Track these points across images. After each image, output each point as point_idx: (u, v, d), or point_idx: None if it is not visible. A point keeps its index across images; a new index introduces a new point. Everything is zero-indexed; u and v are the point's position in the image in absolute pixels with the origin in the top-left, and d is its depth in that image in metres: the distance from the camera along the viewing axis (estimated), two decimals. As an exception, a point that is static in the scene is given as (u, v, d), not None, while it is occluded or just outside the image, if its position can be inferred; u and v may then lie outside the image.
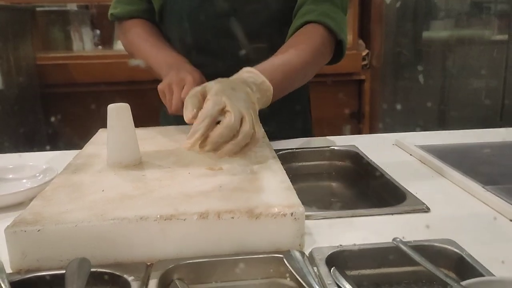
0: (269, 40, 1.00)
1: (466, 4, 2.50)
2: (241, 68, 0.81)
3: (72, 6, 2.67)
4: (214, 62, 1.02)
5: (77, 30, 2.56)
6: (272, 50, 0.91)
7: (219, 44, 1.01)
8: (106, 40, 2.84)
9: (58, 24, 2.50)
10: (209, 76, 0.99)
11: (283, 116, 1.09)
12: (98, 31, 2.88)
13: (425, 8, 2.52)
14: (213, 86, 0.71)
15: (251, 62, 0.83)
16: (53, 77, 2.21)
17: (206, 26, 1.00)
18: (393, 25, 2.56)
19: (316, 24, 0.92)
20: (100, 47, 2.80)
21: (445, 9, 2.52)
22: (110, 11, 1.09)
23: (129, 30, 1.07)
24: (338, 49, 0.97)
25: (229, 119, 0.66)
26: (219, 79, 0.74)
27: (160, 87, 0.88)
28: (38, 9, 2.42)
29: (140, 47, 1.03)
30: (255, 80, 0.77)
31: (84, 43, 2.62)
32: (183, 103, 0.74)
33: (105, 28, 2.87)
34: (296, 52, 0.88)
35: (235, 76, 0.79)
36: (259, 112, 0.74)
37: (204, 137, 0.67)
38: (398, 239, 0.52)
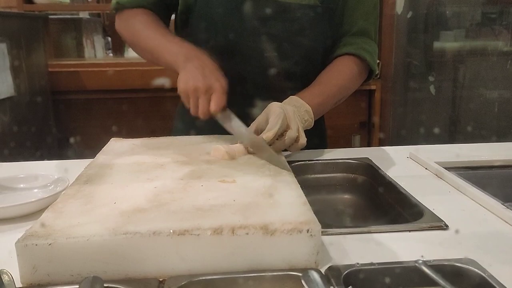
0: (299, 46, 1.02)
1: (477, 15, 2.48)
2: (267, 71, 0.96)
3: (85, 14, 2.69)
4: (243, 65, 1.02)
5: (89, 37, 2.58)
6: (300, 55, 1.02)
7: (250, 48, 1.01)
8: (117, 48, 2.86)
9: (70, 31, 2.52)
10: (237, 79, 1.01)
11: None
12: (109, 39, 2.90)
13: (436, 18, 2.51)
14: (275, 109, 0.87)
15: (277, 69, 0.96)
16: (64, 84, 2.22)
17: (238, 29, 1.00)
18: (404, 35, 2.55)
19: (354, 56, 1.04)
20: (111, 54, 2.82)
21: (456, 20, 2.50)
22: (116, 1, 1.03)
23: (133, 17, 1.02)
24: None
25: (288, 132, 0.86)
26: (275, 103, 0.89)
27: (183, 88, 0.84)
28: (51, 16, 2.44)
29: (148, 35, 0.98)
30: (300, 106, 0.93)
31: (96, 50, 2.64)
32: (209, 112, 0.83)
33: (117, 36, 2.90)
34: (334, 81, 1.02)
35: (286, 101, 0.93)
36: None
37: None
38: (420, 261, 0.50)
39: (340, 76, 1.03)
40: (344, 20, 1.05)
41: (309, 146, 1.07)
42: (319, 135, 1.17)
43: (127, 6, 1.03)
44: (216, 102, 0.82)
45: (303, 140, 0.88)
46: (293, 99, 0.94)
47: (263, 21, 0.99)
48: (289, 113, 0.88)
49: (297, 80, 1.03)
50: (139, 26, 1.00)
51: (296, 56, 1.03)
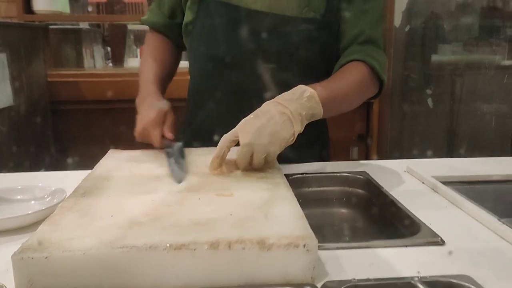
0: (298, 59, 1.03)
1: (475, 29, 2.50)
2: (266, 84, 0.94)
3: (84, 25, 2.70)
4: (242, 77, 1.03)
5: (89, 48, 2.59)
6: (299, 67, 1.02)
7: (249, 61, 1.02)
8: (117, 58, 2.87)
9: (70, 42, 2.52)
10: (235, 91, 1.05)
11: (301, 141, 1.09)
12: (109, 49, 2.91)
13: (434, 32, 2.53)
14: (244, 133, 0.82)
15: (277, 82, 0.94)
16: (63, 94, 2.22)
17: (237, 41, 1.01)
18: (402, 49, 2.57)
19: (361, 63, 0.99)
20: (111, 64, 2.83)
21: (453, 34, 2.52)
22: (145, 18, 1.17)
23: (147, 41, 1.16)
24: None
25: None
26: (256, 114, 0.84)
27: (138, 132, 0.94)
28: (51, 27, 2.45)
29: (141, 65, 1.10)
30: (301, 93, 0.86)
31: (95, 60, 2.64)
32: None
33: (116, 46, 2.91)
34: (344, 80, 0.97)
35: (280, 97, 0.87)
36: None
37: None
38: (416, 278, 0.50)
39: (352, 75, 0.98)
40: (349, 30, 1.03)
41: (313, 157, 1.07)
42: (322, 146, 1.17)
43: (149, 26, 1.16)
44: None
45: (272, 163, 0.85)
46: (292, 89, 0.88)
47: (262, 34, 1.00)
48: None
49: None
50: (144, 53, 1.15)
51: (295, 68, 1.03)
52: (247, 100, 1.02)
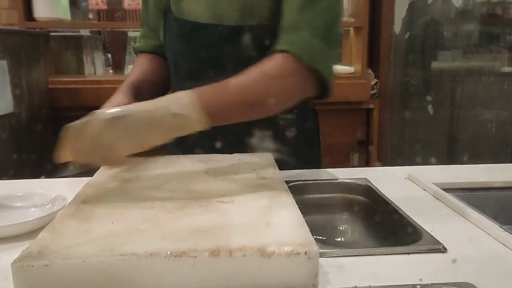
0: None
1: (475, 35, 2.51)
2: None
3: (85, 32, 2.71)
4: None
5: (89, 54, 2.59)
6: None
7: (206, 73, 1.00)
8: (117, 65, 2.87)
9: (70, 48, 2.53)
10: None
11: (290, 145, 1.07)
12: (109, 56, 2.92)
13: (434, 38, 2.54)
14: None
15: None
16: (64, 100, 2.22)
17: (193, 55, 1.02)
18: (402, 55, 2.58)
19: (278, 53, 0.84)
20: (111, 71, 2.83)
21: (453, 40, 2.53)
22: (135, 45, 1.19)
23: (134, 64, 1.16)
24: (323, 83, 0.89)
25: None
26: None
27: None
28: (52, 34, 2.46)
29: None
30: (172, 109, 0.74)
31: (96, 67, 2.65)
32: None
33: (117, 53, 2.91)
34: (238, 79, 0.81)
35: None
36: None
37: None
38: (418, 286, 0.50)
39: (250, 73, 0.82)
40: (283, 20, 0.90)
41: (301, 164, 1.05)
42: (313, 151, 1.16)
43: (144, 52, 1.16)
44: None
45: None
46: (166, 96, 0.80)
47: (214, 46, 1.00)
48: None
49: None
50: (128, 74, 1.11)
51: None
52: None
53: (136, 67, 1.13)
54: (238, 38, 0.97)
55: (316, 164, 1.14)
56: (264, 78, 0.82)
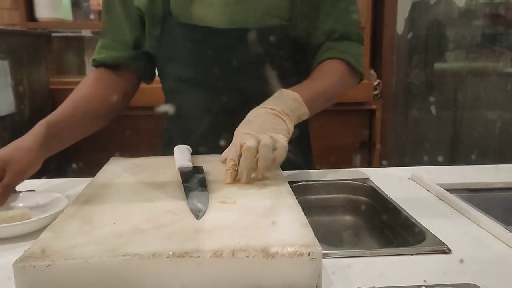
0: (270, 70, 1.00)
1: (478, 36, 2.50)
2: (244, 103, 0.88)
3: (87, 32, 2.71)
4: (214, 95, 1.02)
5: (91, 55, 2.59)
6: (272, 78, 0.98)
7: (218, 79, 1.00)
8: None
9: (72, 49, 2.53)
10: (208, 109, 1.03)
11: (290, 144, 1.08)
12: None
13: (437, 39, 2.53)
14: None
15: (254, 96, 0.89)
16: (65, 101, 2.22)
17: (205, 62, 1.00)
18: (405, 56, 2.57)
19: (338, 60, 1.02)
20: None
21: (456, 41, 2.52)
22: (94, 57, 1.07)
23: (85, 80, 1.06)
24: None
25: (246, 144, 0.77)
26: (249, 119, 0.84)
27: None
28: (53, 34, 2.46)
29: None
30: (285, 97, 0.88)
31: (98, 68, 2.64)
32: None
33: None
34: (323, 79, 0.99)
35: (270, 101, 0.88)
36: None
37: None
38: (423, 286, 0.49)
39: (329, 72, 1.01)
40: (321, 28, 1.02)
41: (293, 164, 1.05)
42: (303, 152, 1.16)
43: (105, 65, 1.06)
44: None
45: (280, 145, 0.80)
46: (276, 93, 0.89)
47: (228, 50, 0.99)
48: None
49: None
50: (76, 89, 1.05)
51: (268, 76, 1.00)
52: (223, 117, 1.00)
53: (80, 90, 1.03)
54: (257, 40, 0.98)
55: (309, 164, 1.15)
56: (339, 80, 1.01)
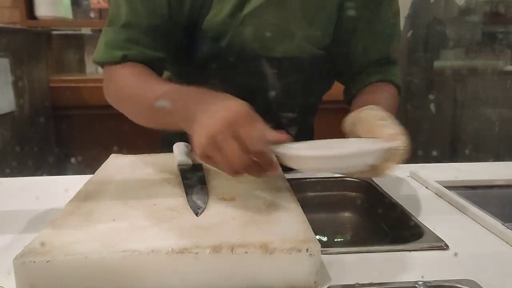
0: (303, 84, 1.02)
1: (478, 34, 2.50)
2: (271, 109, 0.90)
3: (87, 30, 2.71)
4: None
5: (91, 53, 2.59)
6: (304, 93, 1.02)
7: (250, 86, 0.97)
8: (119, 64, 2.87)
9: (72, 47, 2.54)
10: None
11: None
12: (111, 55, 2.92)
13: (437, 37, 2.53)
14: None
15: (282, 105, 0.92)
16: (66, 99, 2.22)
17: (236, 66, 0.96)
18: (404, 54, 2.57)
19: (388, 83, 1.03)
20: (113, 70, 2.83)
21: (456, 39, 2.52)
22: (126, 52, 0.85)
23: (121, 70, 0.86)
24: None
25: None
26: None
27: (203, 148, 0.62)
28: (53, 32, 2.46)
29: (139, 86, 0.82)
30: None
31: (97, 66, 2.65)
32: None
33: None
34: (386, 101, 0.95)
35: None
36: None
37: None
38: (420, 282, 0.50)
39: (389, 97, 1.00)
40: (365, 53, 1.03)
41: None
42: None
43: (112, 63, 0.87)
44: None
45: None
46: (372, 107, 0.79)
47: (262, 77, 0.98)
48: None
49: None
50: (127, 77, 0.85)
51: (304, 99, 1.05)
52: None
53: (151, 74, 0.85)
54: (302, 67, 0.98)
55: None
56: (394, 100, 1.01)
